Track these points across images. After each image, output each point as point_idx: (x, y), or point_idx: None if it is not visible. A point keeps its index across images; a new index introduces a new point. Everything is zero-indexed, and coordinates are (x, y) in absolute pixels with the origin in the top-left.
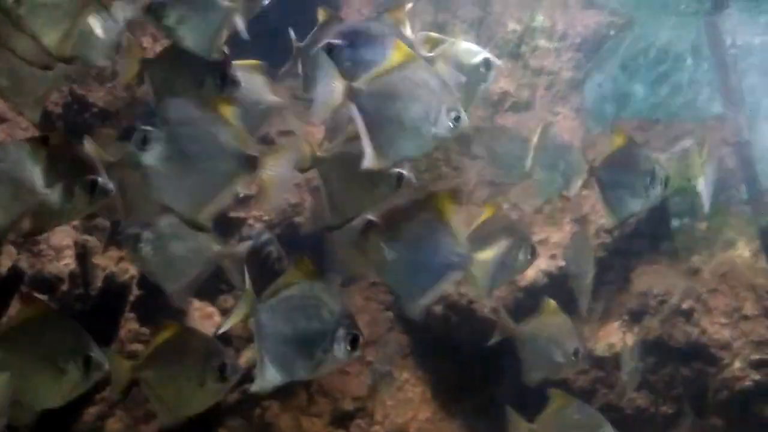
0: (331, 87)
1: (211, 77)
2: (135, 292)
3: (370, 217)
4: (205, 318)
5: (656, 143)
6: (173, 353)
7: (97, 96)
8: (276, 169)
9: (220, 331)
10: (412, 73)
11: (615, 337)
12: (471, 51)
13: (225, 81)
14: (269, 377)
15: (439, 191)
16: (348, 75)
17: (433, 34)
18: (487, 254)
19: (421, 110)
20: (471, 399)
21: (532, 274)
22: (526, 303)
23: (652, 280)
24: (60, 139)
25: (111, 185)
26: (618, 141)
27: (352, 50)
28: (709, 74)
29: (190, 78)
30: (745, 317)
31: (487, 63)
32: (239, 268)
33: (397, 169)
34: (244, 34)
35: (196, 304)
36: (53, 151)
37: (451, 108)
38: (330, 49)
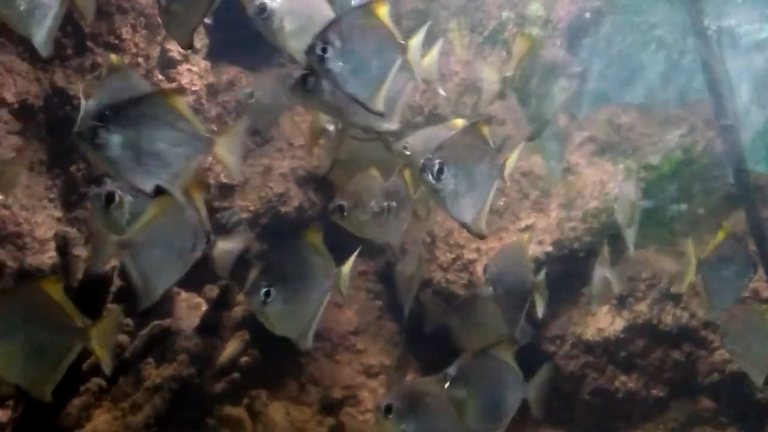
0: None
1: None
2: (117, 282)
3: None
4: (193, 308)
5: (644, 128)
6: None
7: (79, 88)
8: (228, 146)
9: None
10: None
11: (604, 321)
12: None
13: None
14: None
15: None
16: None
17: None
18: None
19: None
20: None
21: None
22: None
23: (641, 264)
24: None
25: None
26: (720, 236)
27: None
28: (695, 58)
29: None
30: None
31: None
32: None
33: None
34: None
35: (183, 294)
36: None
37: None
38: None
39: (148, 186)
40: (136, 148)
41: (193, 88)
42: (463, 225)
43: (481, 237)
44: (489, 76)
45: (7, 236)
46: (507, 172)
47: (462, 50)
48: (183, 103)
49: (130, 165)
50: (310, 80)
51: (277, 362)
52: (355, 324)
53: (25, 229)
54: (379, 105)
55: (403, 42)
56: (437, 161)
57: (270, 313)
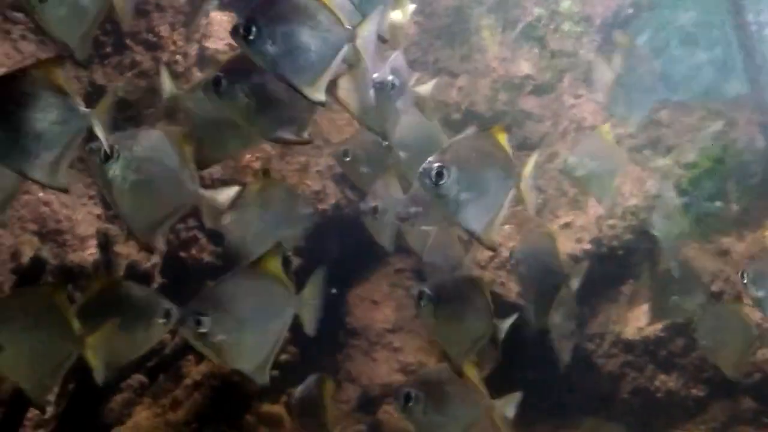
0: None
1: None
2: (158, 279)
3: None
4: None
5: (683, 125)
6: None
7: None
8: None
9: None
10: None
11: (643, 320)
12: None
13: None
14: None
15: None
16: None
17: None
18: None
19: None
20: (497, 382)
21: None
22: None
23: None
24: None
25: None
26: None
27: None
28: (735, 53)
29: None
30: None
31: None
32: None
33: None
34: None
35: None
36: None
37: None
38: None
39: (34, 173)
40: (19, 131)
41: None
42: (472, 234)
43: (493, 249)
44: (605, 73)
45: (48, 233)
46: (523, 182)
47: (496, 47)
48: (60, 77)
49: (14, 149)
50: (223, 82)
51: (315, 360)
52: (392, 321)
53: (66, 226)
54: (320, 93)
55: (350, 27)
56: (436, 164)
57: (211, 345)
